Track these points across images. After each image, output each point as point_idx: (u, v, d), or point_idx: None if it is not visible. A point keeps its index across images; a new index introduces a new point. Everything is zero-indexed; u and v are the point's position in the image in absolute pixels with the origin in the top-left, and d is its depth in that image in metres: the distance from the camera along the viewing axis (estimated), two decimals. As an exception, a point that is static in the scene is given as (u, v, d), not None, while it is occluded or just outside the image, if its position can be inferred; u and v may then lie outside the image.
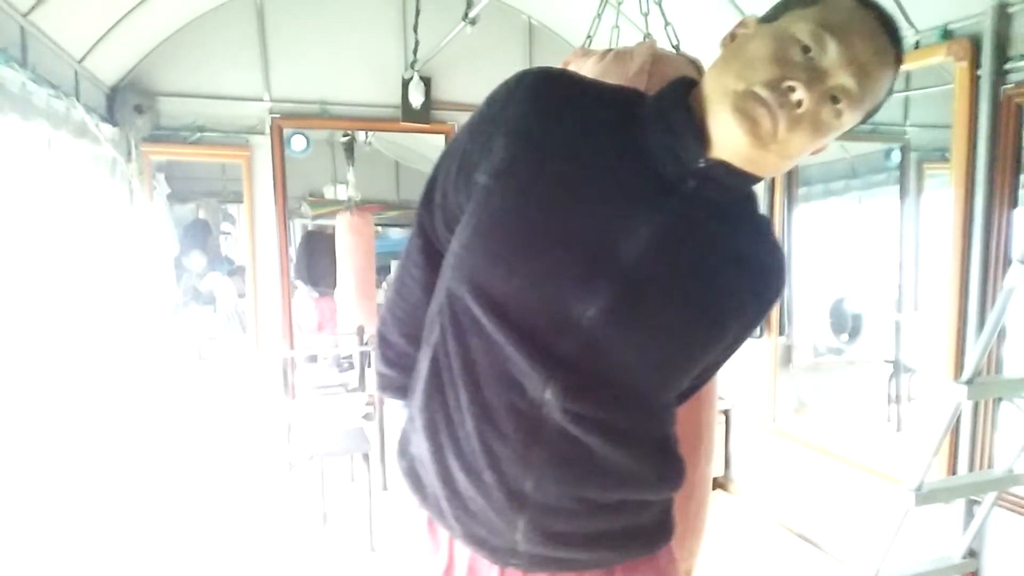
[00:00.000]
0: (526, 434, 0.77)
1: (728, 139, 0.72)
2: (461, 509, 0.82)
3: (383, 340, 0.97)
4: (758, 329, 3.13)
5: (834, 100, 0.70)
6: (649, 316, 0.77)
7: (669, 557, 0.93)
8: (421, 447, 0.84)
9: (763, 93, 0.68)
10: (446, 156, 0.87)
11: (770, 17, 0.74)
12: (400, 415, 0.94)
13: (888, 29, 0.71)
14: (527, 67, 0.84)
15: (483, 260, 0.78)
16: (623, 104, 0.80)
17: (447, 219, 0.86)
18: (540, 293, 0.76)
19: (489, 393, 0.78)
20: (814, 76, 0.68)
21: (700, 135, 0.74)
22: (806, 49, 0.69)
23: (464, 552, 0.85)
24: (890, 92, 0.74)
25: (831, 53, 0.68)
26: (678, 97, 0.77)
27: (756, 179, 0.78)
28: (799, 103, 0.68)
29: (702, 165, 0.75)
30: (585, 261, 0.75)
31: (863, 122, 0.75)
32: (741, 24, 0.76)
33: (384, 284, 4.50)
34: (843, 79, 0.69)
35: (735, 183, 0.77)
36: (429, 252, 0.90)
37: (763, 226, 0.87)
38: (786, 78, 0.68)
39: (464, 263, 0.79)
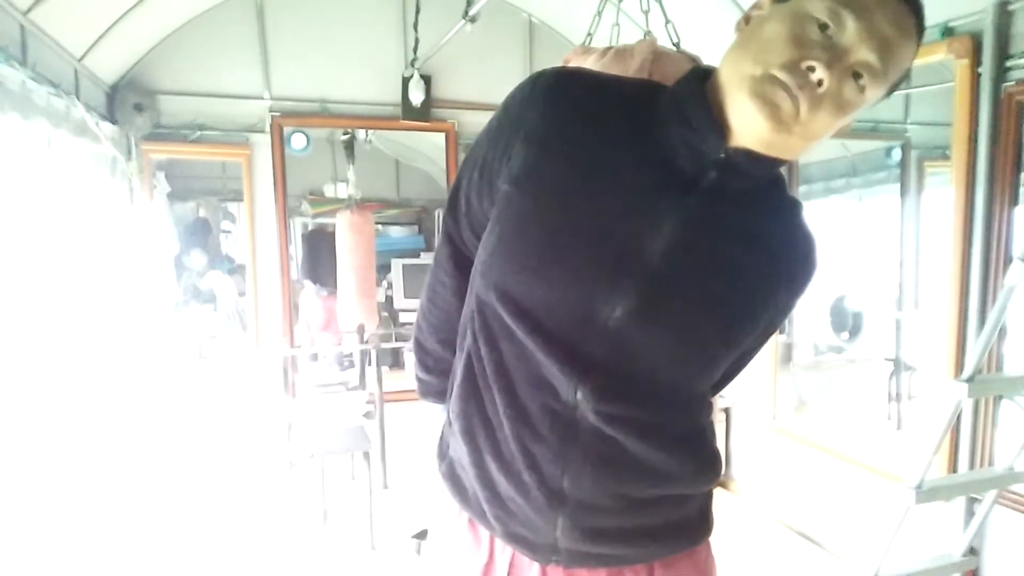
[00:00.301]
0: (562, 434, 0.77)
1: (749, 126, 0.70)
2: (501, 509, 0.82)
3: (420, 347, 0.97)
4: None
5: (856, 76, 0.68)
6: (676, 313, 0.76)
7: (708, 552, 0.93)
8: (460, 451, 0.85)
9: (782, 76, 0.67)
10: (468, 163, 0.86)
11: None
12: (439, 419, 0.94)
13: None
14: (527, 65, 0.84)
15: (508, 267, 0.78)
16: (640, 99, 0.79)
17: (473, 226, 0.86)
18: (565, 297, 0.76)
19: (523, 396, 0.78)
20: (834, 54, 0.67)
21: (718, 126, 0.72)
22: (824, 26, 0.67)
23: (505, 550, 0.86)
24: (912, 60, 0.72)
25: (849, 29, 0.66)
26: (694, 88, 0.75)
27: (781, 163, 0.76)
28: (820, 83, 0.67)
29: (723, 156, 0.73)
30: (609, 262, 0.74)
31: (888, 95, 0.73)
32: (755, 6, 0.74)
33: (385, 282, 4.50)
34: (864, 54, 0.67)
35: (759, 170, 0.76)
36: (458, 259, 0.90)
37: (793, 211, 0.85)
38: (805, 58, 0.66)
39: (491, 270, 0.80)
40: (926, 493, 1.74)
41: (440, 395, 0.95)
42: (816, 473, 2.92)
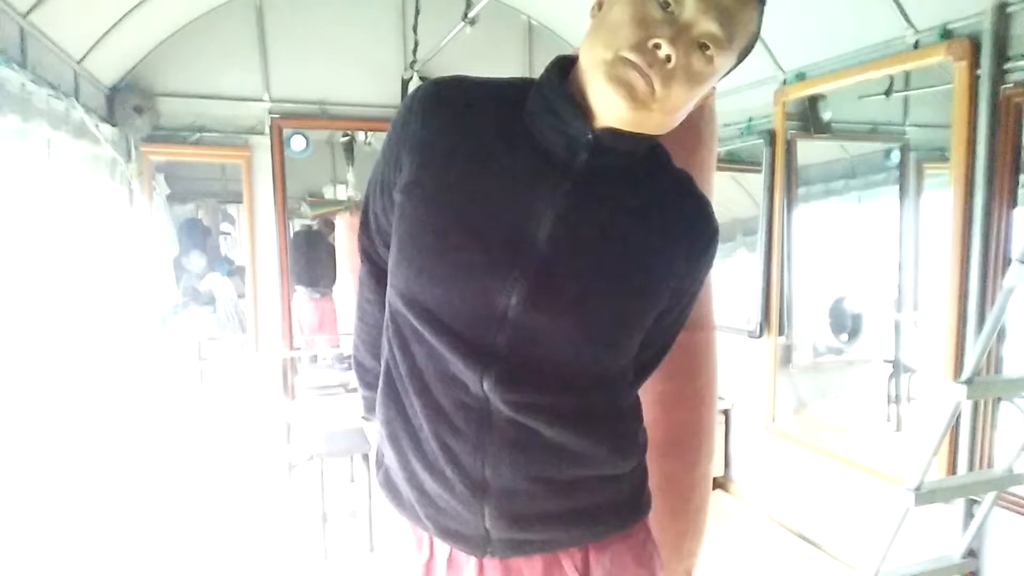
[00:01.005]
0: (477, 426, 0.80)
1: (608, 107, 0.73)
2: (432, 507, 0.85)
3: (359, 365, 1.03)
4: (757, 327, 3.15)
5: (703, 47, 0.71)
6: (569, 296, 0.79)
7: (647, 534, 0.94)
8: (390, 456, 0.89)
9: (631, 56, 0.69)
10: (371, 183, 0.91)
11: None
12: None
13: None
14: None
15: (409, 272, 0.81)
16: (512, 96, 0.82)
17: (385, 240, 0.89)
18: (462, 293, 0.78)
19: (437, 394, 0.81)
20: (677, 29, 0.69)
21: (581, 109, 0.75)
22: (665, 4, 0.70)
23: (443, 548, 0.88)
24: (758, 25, 0.75)
25: (688, 3, 0.69)
26: (555, 77, 0.79)
27: (648, 139, 0.79)
28: (668, 58, 0.69)
29: (590, 137, 0.76)
30: (498, 255, 0.77)
31: (740, 60, 0.76)
32: None
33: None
34: (706, 26, 0.70)
35: (627, 147, 0.78)
36: (378, 275, 0.94)
37: (681, 182, 0.88)
38: (650, 37, 0.69)
39: (396, 278, 0.83)
40: (925, 495, 1.75)
41: None
42: (815, 475, 2.92)
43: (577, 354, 0.82)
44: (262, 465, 3.51)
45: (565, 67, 0.79)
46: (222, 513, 3.18)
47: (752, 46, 0.76)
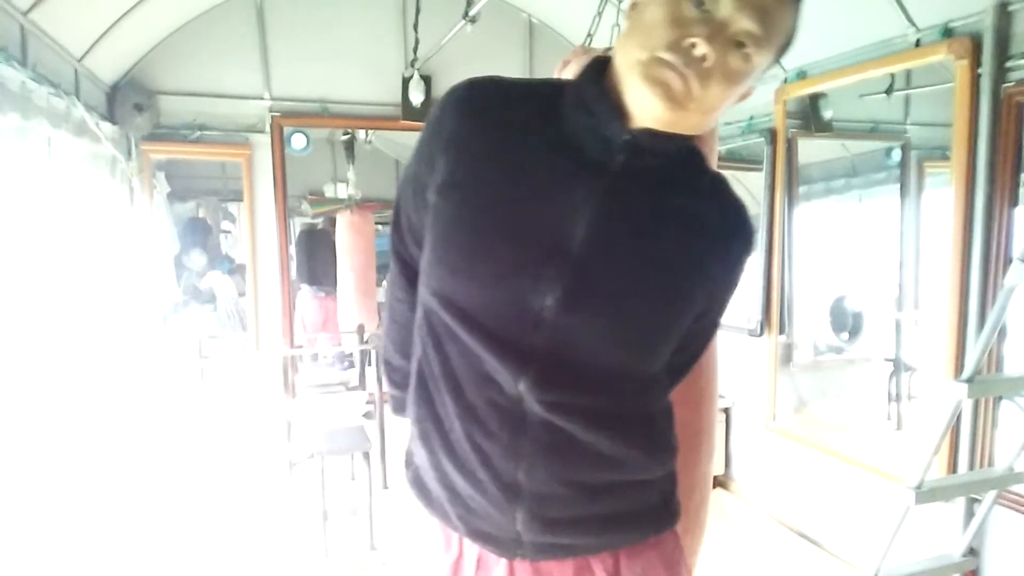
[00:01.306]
0: (511, 428, 0.79)
1: (645, 108, 0.73)
2: (463, 508, 0.84)
3: (388, 365, 1.02)
4: (758, 326, 3.15)
5: (740, 45, 0.70)
6: (604, 298, 0.78)
7: (675, 541, 0.94)
8: (420, 455, 0.88)
9: (667, 56, 0.69)
10: (403, 182, 0.90)
11: None
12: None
13: None
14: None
15: (443, 272, 0.81)
16: (547, 96, 0.81)
17: (417, 240, 0.89)
18: (498, 293, 0.78)
19: (471, 395, 0.80)
20: (713, 28, 0.69)
21: (618, 110, 0.75)
22: (700, 3, 0.69)
23: (473, 548, 0.87)
24: (795, 22, 0.74)
25: (724, 1, 0.69)
26: (591, 78, 0.78)
27: (686, 139, 0.78)
28: (704, 57, 0.69)
29: (627, 138, 0.76)
30: (531, 255, 0.77)
31: (779, 58, 0.75)
32: None
33: (384, 282, 4.51)
34: (743, 23, 0.69)
35: (665, 147, 0.78)
36: (408, 275, 0.93)
37: (716, 185, 0.87)
38: (686, 36, 0.68)
39: (430, 278, 0.83)
40: (926, 493, 1.75)
41: None
42: (816, 473, 2.92)
43: (613, 356, 0.81)
44: (263, 463, 3.51)
45: (601, 68, 0.79)
46: (223, 511, 3.18)
47: (790, 43, 0.75)
